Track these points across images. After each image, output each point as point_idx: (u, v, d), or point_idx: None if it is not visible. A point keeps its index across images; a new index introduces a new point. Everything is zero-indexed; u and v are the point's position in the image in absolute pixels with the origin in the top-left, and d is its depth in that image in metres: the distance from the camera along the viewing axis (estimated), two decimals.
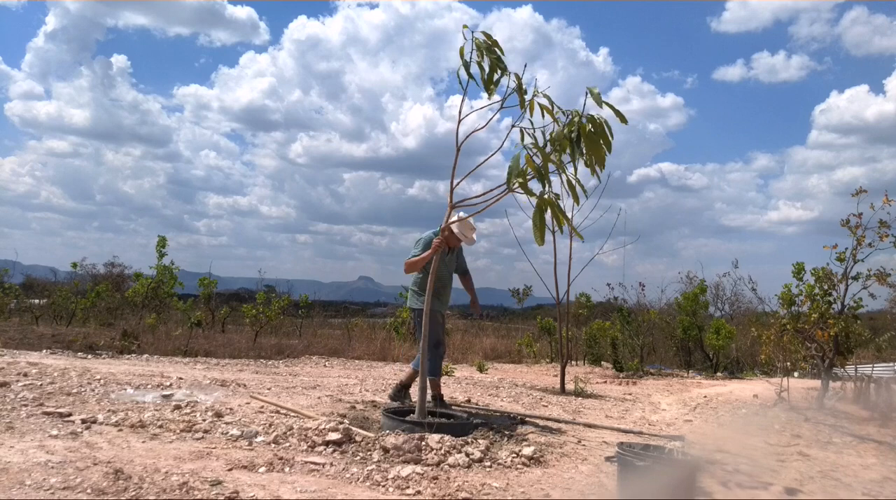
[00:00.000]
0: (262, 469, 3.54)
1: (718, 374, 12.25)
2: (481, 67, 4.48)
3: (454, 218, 5.30)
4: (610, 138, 4.15)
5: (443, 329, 5.85)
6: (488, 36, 4.41)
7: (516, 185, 4.20)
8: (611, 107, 4.10)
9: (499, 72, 4.46)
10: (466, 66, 4.46)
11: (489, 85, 4.48)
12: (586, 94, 4.05)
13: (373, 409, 5.53)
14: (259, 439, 4.23)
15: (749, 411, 6.97)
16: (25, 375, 5.94)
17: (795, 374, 8.68)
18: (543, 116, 4.37)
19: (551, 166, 4.22)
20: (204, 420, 4.52)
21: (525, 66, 4.40)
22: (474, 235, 5.60)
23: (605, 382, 10.08)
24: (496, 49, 4.42)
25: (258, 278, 17.65)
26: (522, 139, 4.31)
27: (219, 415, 4.72)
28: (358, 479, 3.53)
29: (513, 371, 11.80)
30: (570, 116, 4.17)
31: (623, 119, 4.16)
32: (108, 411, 4.68)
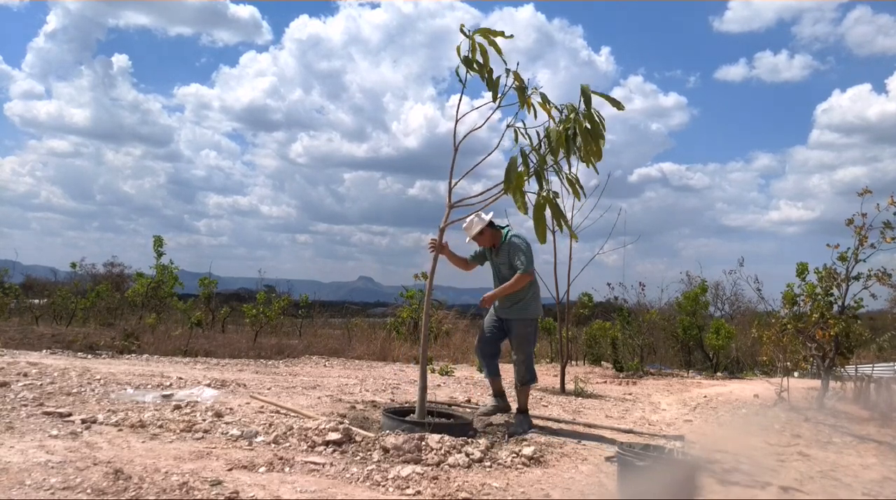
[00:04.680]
0: (262, 469, 3.54)
1: (718, 374, 12.24)
2: (479, 65, 4.48)
3: (465, 224, 5.18)
4: (604, 134, 4.14)
5: (485, 331, 5.41)
6: (486, 35, 4.40)
7: (513, 193, 4.19)
8: (605, 97, 4.11)
9: (497, 67, 4.46)
10: (467, 62, 4.45)
11: (490, 84, 4.48)
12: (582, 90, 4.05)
13: (373, 409, 5.53)
14: (259, 439, 4.23)
15: (749, 411, 6.97)
16: (25, 375, 5.93)
17: (796, 374, 8.67)
18: (536, 116, 4.37)
19: (549, 163, 4.22)
20: (204, 420, 4.51)
21: (518, 63, 4.38)
22: (471, 230, 5.19)
23: (605, 382, 10.07)
24: (495, 45, 4.41)
25: (258, 278, 17.65)
26: (517, 139, 4.31)
27: (219, 415, 4.72)
28: (358, 479, 3.53)
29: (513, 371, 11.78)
30: (567, 113, 4.16)
31: (619, 106, 4.12)
32: (108, 411, 4.68)
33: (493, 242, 5.31)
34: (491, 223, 5.27)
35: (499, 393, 5.48)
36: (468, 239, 5.30)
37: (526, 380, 5.21)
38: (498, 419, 5.44)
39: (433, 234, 5.37)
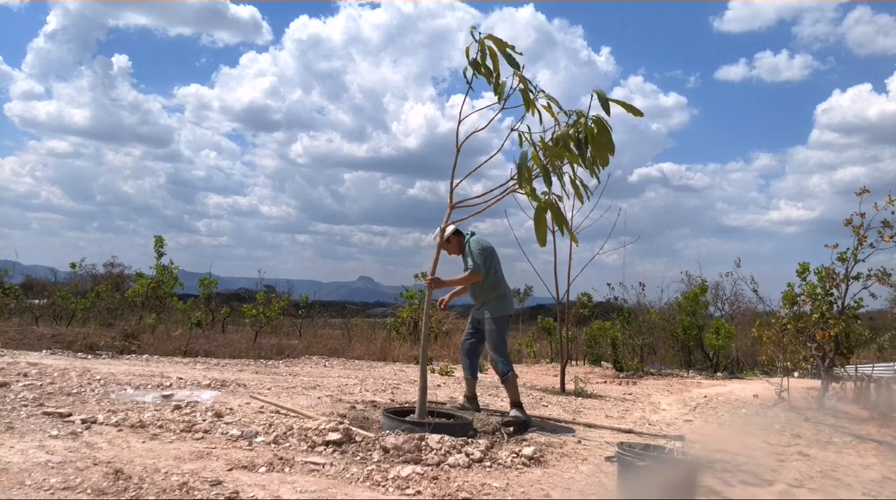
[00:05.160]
0: (262, 469, 3.54)
1: (718, 374, 12.24)
2: (488, 69, 4.46)
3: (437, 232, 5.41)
4: (613, 140, 4.11)
5: (468, 334, 5.78)
6: (497, 40, 4.39)
7: (524, 188, 4.17)
8: (621, 103, 4.04)
9: (505, 72, 4.43)
10: (475, 65, 4.44)
11: (497, 88, 4.46)
12: (592, 95, 4.00)
13: (373, 409, 5.53)
14: (259, 439, 4.23)
15: (749, 411, 6.97)
16: (25, 375, 5.93)
17: (796, 374, 8.67)
18: (542, 120, 4.35)
19: (557, 165, 4.20)
20: (204, 420, 4.52)
21: (523, 66, 4.37)
22: (434, 238, 5.48)
23: (605, 382, 10.08)
24: (504, 51, 4.38)
25: (258, 278, 17.68)
26: (521, 143, 4.30)
27: (219, 415, 4.72)
28: (358, 479, 3.53)
29: None
30: (576, 117, 4.14)
31: (637, 112, 4.04)
32: (108, 411, 4.68)
33: (460, 250, 5.64)
34: (457, 232, 5.57)
35: (470, 396, 5.80)
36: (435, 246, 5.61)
37: (502, 372, 5.40)
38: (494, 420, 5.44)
39: (434, 234, 5.51)
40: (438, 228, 5.50)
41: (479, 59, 4.43)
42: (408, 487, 3.43)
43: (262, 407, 5.16)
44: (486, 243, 5.59)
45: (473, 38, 4.39)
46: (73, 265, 18.46)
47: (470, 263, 5.49)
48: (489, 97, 4.57)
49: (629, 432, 5.44)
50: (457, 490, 3.40)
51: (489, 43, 4.40)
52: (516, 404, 5.35)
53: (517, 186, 4.29)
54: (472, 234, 5.68)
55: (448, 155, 4.71)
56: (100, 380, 5.99)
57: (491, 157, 4.84)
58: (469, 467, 3.88)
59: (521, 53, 4.38)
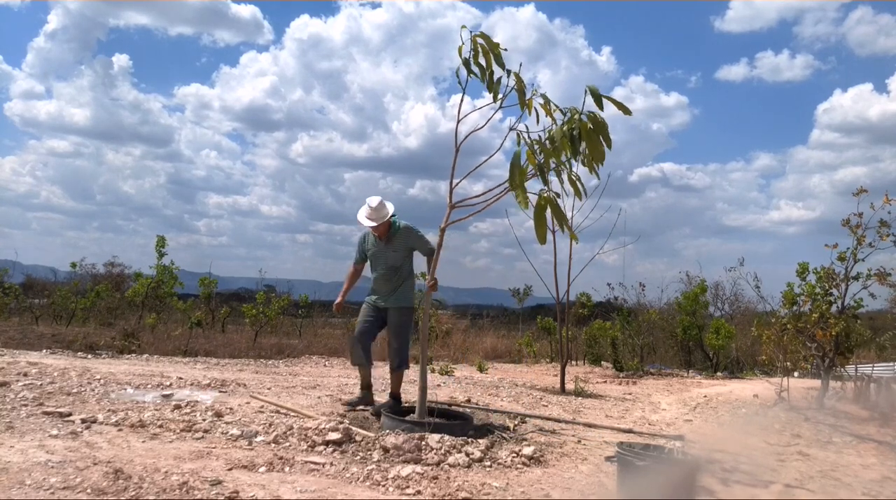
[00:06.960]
0: (262, 469, 3.54)
1: (718, 374, 12.25)
2: (481, 67, 4.47)
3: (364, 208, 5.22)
4: (610, 136, 4.12)
5: (365, 322, 5.55)
6: (487, 39, 4.40)
7: (515, 191, 4.16)
8: (612, 101, 4.06)
9: (498, 70, 4.45)
10: (467, 64, 4.45)
11: (491, 86, 4.47)
12: (586, 91, 4.02)
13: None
14: (259, 438, 4.23)
15: (749, 410, 6.97)
16: (25, 375, 5.93)
17: (795, 374, 8.67)
18: (538, 119, 4.35)
19: (552, 163, 4.20)
20: (204, 420, 4.51)
21: (521, 65, 4.38)
22: (379, 213, 5.23)
23: (605, 382, 10.08)
24: (496, 50, 4.41)
25: (258, 277, 17.68)
26: (519, 142, 4.30)
27: (219, 415, 4.72)
28: (358, 479, 3.53)
29: (513, 371, 11.80)
30: (570, 114, 4.15)
31: (626, 111, 4.06)
32: (108, 410, 4.67)
33: (386, 233, 5.42)
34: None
35: (367, 386, 5.70)
36: (371, 224, 5.26)
37: (396, 366, 5.42)
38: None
39: (433, 234, 5.51)
40: (380, 202, 5.22)
41: (471, 58, 4.44)
42: (408, 486, 3.43)
43: (262, 407, 5.16)
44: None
45: (462, 38, 4.40)
46: (73, 265, 18.52)
47: (427, 245, 5.32)
48: (489, 96, 4.57)
49: (629, 432, 5.44)
50: (457, 490, 3.40)
51: (481, 41, 4.40)
52: (396, 395, 5.48)
53: (508, 189, 4.29)
54: (395, 216, 5.41)
55: (448, 155, 4.70)
56: (100, 380, 5.99)
57: (490, 156, 4.84)
58: (469, 466, 3.88)
59: (505, 49, 4.41)
